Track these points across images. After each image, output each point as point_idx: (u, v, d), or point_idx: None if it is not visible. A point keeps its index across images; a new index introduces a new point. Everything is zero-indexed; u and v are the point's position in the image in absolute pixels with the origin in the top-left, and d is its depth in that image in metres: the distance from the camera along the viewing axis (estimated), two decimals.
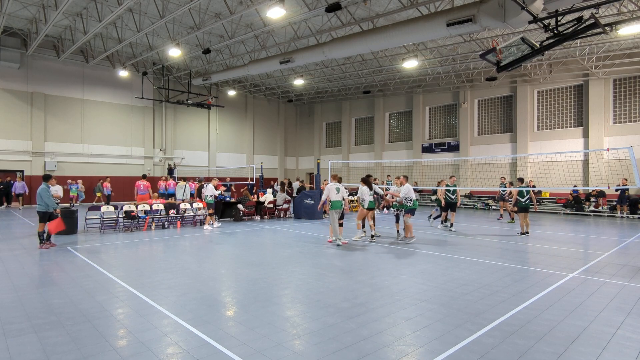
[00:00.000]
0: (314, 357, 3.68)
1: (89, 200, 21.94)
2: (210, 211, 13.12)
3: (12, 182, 20.10)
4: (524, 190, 12.01)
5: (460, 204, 21.40)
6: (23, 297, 5.44)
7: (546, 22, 9.19)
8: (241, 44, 20.56)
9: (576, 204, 19.53)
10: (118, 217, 12.47)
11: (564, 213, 19.66)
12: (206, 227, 13.03)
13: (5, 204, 20.20)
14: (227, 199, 16.24)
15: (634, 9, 13.76)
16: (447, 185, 12.92)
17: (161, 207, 13.40)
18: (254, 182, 21.46)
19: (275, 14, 13.68)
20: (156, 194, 17.96)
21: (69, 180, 21.64)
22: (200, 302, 5.23)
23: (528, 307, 5.12)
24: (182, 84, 25.93)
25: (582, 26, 8.48)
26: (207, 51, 18.71)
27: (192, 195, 17.07)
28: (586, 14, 10.56)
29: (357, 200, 11.98)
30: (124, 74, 22.90)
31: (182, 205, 14.10)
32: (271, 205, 16.51)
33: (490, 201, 22.31)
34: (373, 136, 30.70)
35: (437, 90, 26.61)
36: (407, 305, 5.16)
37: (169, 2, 15.55)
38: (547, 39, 9.02)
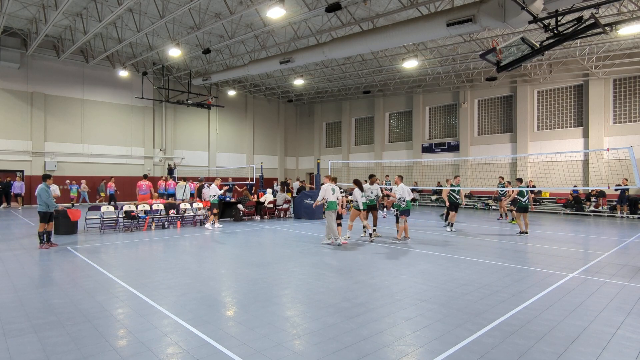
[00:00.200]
0: (314, 357, 3.68)
1: (93, 200, 22.00)
2: (215, 211, 13.26)
3: (11, 182, 20.10)
4: (524, 190, 12.02)
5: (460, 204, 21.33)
6: (23, 297, 5.44)
7: (546, 22, 9.18)
8: (241, 44, 20.56)
9: (576, 204, 19.53)
10: (118, 217, 12.47)
11: (564, 213, 19.66)
12: (207, 225, 13.09)
13: (5, 203, 20.21)
14: (228, 199, 16.25)
15: (634, 9, 13.76)
16: (452, 185, 12.80)
17: (161, 207, 13.41)
18: (254, 182, 21.47)
19: (275, 14, 13.68)
20: (156, 194, 17.96)
21: (67, 181, 21.67)
22: (200, 302, 5.23)
23: (528, 307, 5.12)
24: (182, 84, 25.94)
25: (582, 26, 8.48)
26: (207, 51, 18.71)
27: (192, 195, 17.08)
28: (586, 14, 10.56)
29: (350, 202, 11.95)
30: (124, 74, 22.90)
31: (182, 205, 14.11)
32: (271, 205, 16.52)
33: (490, 201, 22.31)
34: (373, 136, 30.69)
35: (437, 90, 26.61)
36: (407, 305, 5.16)
37: (169, 2, 15.55)
38: (547, 39, 9.02)
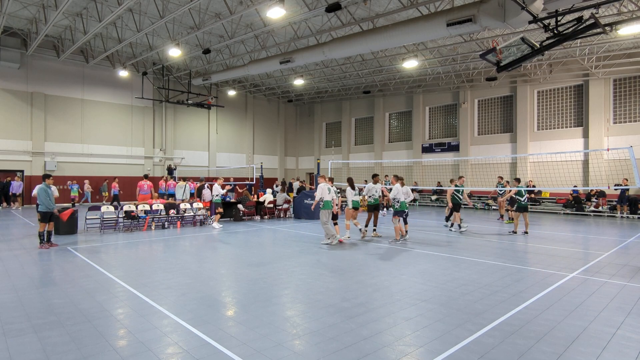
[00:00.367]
0: (314, 357, 3.68)
1: (95, 200, 22.03)
2: (220, 210, 13.42)
3: (11, 182, 20.08)
4: (522, 190, 12.03)
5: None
6: (23, 297, 5.44)
7: (546, 22, 9.18)
8: (241, 44, 20.56)
9: (576, 204, 19.53)
10: (118, 217, 12.47)
11: (564, 213, 19.66)
12: (215, 225, 13.28)
13: (4, 204, 20.21)
14: (228, 199, 16.26)
15: (634, 9, 13.75)
16: (456, 186, 12.70)
17: (161, 207, 13.41)
18: (254, 182, 21.48)
19: (275, 14, 13.68)
20: (156, 194, 17.96)
21: (69, 182, 21.70)
22: (200, 302, 5.23)
23: (528, 307, 5.12)
24: (182, 84, 25.94)
25: (582, 26, 8.48)
26: (207, 51, 18.71)
27: (192, 195, 17.08)
28: (586, 14, 10.56)
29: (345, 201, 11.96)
30: (124, 74, 22.90)
31: (182, 205, 14.11)
32: (271, 205, 16.52)
33: (490, 201, 22.31)
34: (373, 136, 30.69)
35: (437, 90, 26.61)
36: (407, 305, 5.16)
37: (169, 2, 15.55)
38: (547, 39, 9.02)
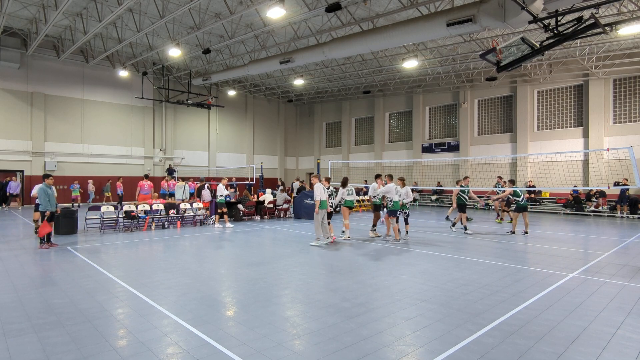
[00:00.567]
0: (314, 357, 3.68)
1: (98, 200, 22.07)
2: (225, 210, 13.49)
3: (9, 182, 20.02)
4: (519, 191, 12.03)
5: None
6: (23, 297, 5.44)
7: (546, 22, 9.18)
8: (241, 44, 20.56)
9: (576, 204, 19.53)
10: (118, 217, 12.47)
11: (564, 213, 19.66)
12: (228, 224, 13.40)
13: (4, 204, 20.18)
14: (229, 199, 16.24)
15: (634, 9, 13.75)
16: (461, 187, 12.58)
17: (161, 207, 13.41)
18: (254, 182, 21.48)
19: (275, 14, 13.67)
20: (156, 194, 17.95)
21: (76, 182, 21.79)
22: (200, 302, 5.23)
23: (528, 307, 5.12)
24: (182, 84, 25.93)
25: (582, 26, 8.47)
26: (207, 51, 18.71)
27: (191, 195, 17.07)
28: (586, 14, 10.56)
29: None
30: (124, 74, 22.89)
31: (182, 205, 14.11)
32: (271, 205, 16.52)
33: (490, 201, 22.29)
34: (373, 136, 30.69)
35: (437, 90, 26.61)
36: (407, 305, 5.16)
37: (169, 2, 15.55)
38: (547, 39, 9.02)
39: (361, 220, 15.74)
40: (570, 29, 8.69)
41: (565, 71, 21.15)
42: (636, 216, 17.54)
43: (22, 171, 21.20)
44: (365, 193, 22.08)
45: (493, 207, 16.60)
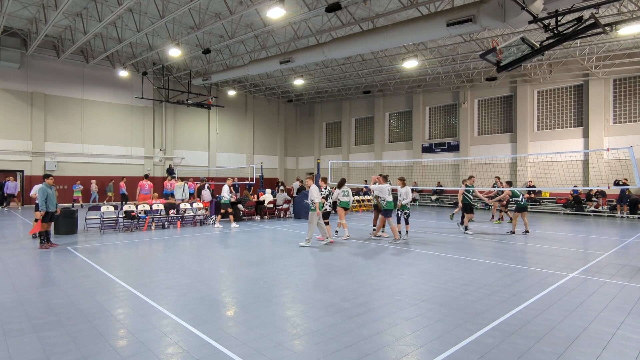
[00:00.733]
0: (314, 357, 3.68)
1: (101, 200, 22.09)
2: (230, 210, 13.54)
3: (6, 182, 19.99)
4: (517, 191, 12.03)
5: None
6: (23, 297, 5.44)
7: (546, 22, 9.18)
8: (241, 44, 20.56)
9: (576, 204, 19.53)
10: (118, 217, 12.47)
11: (564, 213, 19.66)
12: (234, 224, 13.50)
13: (4, 204, 20.19)
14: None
15: (634, 9, 13.75)
16: (467, 186, 12.48)
17: (161, 207, 13.41)
18: (254, 182, 21.47)
19: (275, 14, 13.67)
20: (156, 194, 17.96)
21: (78, 182, 21.82)
22: (200, 302, 5.23)
23: (528, 307, 5.12)
24: (182, 84, 25.93)
25: (582, 26, 8.48)
26: (207, 51, 18.71)
27: (191, 195, 17.07)
28: (586, 14, 10.56)
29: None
30: (124, 74, 22.89)
31: (182, 205, 14.11)
32: (271, 205, 16.52)
33: (488, 201, 22.28)
34: (373, 136, 30.69)
35: (437, 90, 26.61)
36: (407, 305, 5.16)
37: (169, 2, 15.55)
38: (547, 39, 9.02)
39: (361, 220, 15.75)
40: (570, 29, 8.69)
41: (565, 71, 21.15)
42: (636, 216, 17.54)
43: (22, 171, 21.20)
44: (366, 193, 22.10)
45: (492, 207, 16.56)
